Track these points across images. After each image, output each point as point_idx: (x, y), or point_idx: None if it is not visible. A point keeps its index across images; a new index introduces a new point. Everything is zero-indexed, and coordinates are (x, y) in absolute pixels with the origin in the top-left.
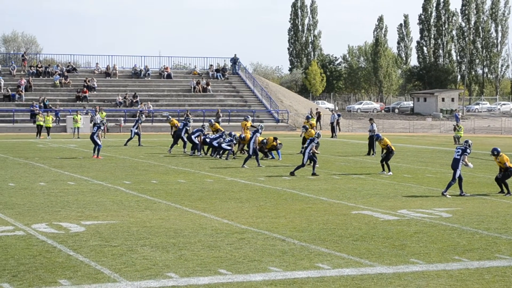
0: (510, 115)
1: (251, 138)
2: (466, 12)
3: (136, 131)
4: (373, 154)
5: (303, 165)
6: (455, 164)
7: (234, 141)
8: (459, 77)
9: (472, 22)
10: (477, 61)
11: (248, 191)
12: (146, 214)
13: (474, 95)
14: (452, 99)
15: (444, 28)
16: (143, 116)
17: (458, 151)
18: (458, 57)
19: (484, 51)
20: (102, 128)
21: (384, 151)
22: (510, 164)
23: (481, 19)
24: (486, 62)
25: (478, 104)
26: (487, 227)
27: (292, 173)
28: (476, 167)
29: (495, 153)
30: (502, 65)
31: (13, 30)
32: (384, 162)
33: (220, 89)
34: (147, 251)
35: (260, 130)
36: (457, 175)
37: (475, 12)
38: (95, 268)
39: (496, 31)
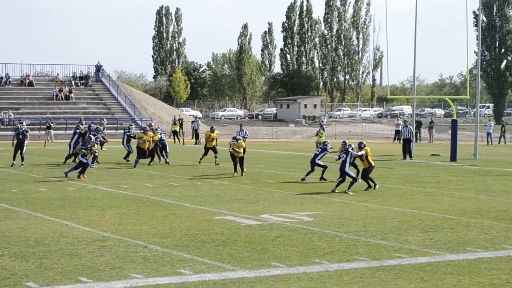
0: (370, 121)
1: (317, 155)
2: (329, 20)
3: None
4: None
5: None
6: (342, 166)
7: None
8: (321, 84)
9: (335, 30)
10: (339, 68)
11: (110, 199)
12: (5, 223)
13: (336, 102)
14: (315, 106)
15: (307, 36)
16: None
17: (343, 155)
18: (321, 64)
19: (345, 58)
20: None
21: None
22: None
23: (343, 27)
24: (348, 69)
25: (339, 110)
26: (347, 230)
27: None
28: (337, 172)
29: (362, 146)
30: (363, 72)
31: None
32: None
33: (83, 97)
34: (5, 261)
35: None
36: (351, 174)
37: (337, 20)
38: None
39: (358, 39)
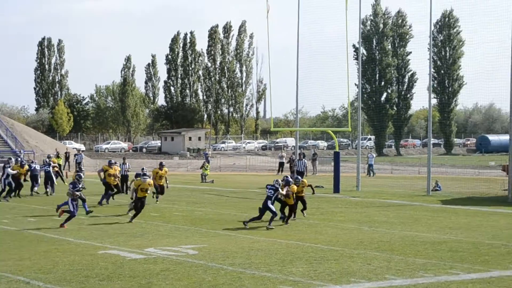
0: (254, 153)
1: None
2: (212, 52)
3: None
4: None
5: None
6: (265, 202)
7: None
8: (205, 116)
9: (218, 63)
10: (222, 100)
11: None
12: None
13: (220, 134)
14: (199, 138)
15: (190, 68)
16: None
17: (271, 191)
18: (205, 97)
19: (229, 90)
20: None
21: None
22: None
23: (227, 60)
24: (232, 101)
25: (224, 143)
26: (232, 262)
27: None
28: (222, 205)
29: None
30: (246, 105)
31: None
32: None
33: None
34: None
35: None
36: (273, 209)
37: (220, 53)
38: None
39: (241, 71)
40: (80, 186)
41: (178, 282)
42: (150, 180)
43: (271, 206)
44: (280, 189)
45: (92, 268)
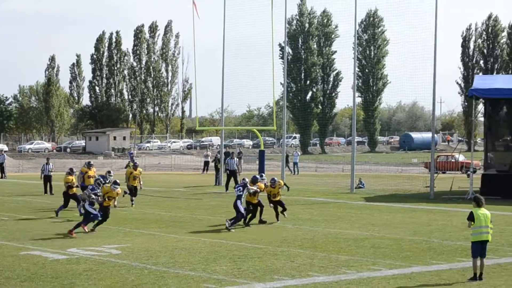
0: (180, 152)
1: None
2: (138, 52)
3: None
4: (52, 194)
5: None
6: (235, 202)
7: None
8: (130, 116)
9: (144, 62)
10: (148, 100)
11: None
12: None
13: (146, 134)
14: (124, 138)
15: (116, 68)
16: None
17: (239, 188)
18: (130, 96)
19: (155, 90)
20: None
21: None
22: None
23: (152, 59)
24: (157, 101)
25: (149, 142)
26: (155, 262)
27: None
28: (146, 204)
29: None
30: (172, 104)
31: None
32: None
33: None
34: None
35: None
36: (241, 209)
37: (146, 52)
38: None
39: (167, 71)
40: (98, 191)
41: (101, 282)
42: (120, 189)
43: (239, 206)
44: (248, 185)
45: (13, 269)
